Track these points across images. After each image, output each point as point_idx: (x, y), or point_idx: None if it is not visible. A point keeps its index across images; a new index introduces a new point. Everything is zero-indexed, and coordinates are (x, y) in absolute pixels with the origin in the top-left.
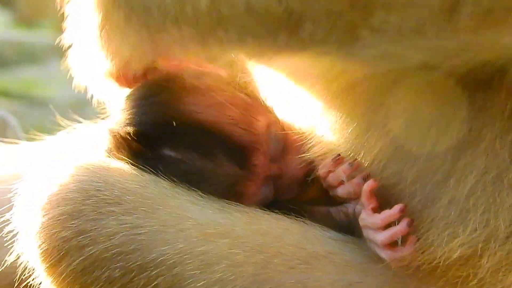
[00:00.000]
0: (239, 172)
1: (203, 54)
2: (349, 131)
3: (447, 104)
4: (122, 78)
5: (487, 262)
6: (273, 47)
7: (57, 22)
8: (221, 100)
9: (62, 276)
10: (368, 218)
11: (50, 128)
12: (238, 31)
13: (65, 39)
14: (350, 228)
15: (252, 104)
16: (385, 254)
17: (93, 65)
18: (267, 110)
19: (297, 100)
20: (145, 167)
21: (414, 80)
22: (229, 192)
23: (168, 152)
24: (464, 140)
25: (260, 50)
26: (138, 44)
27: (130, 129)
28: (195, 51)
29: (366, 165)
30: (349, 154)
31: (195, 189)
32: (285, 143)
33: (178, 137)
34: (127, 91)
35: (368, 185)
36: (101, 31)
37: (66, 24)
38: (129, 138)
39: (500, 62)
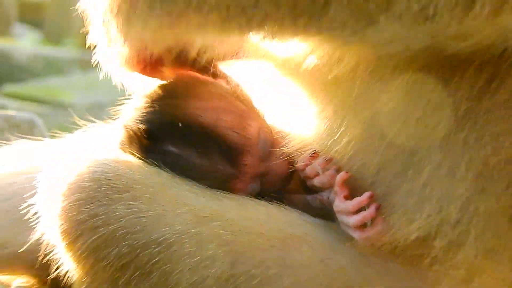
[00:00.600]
0: (230, 170)
1: (220, 39)
2: (322, 130)
3: (405, 104)
4: (137, 63)
5: (439, 243)
6: (290, 31)
7: (78, 40)
8: (220, 107)
9: (79, 252)
10: (341, 204)
11: (70, 128)
12: (260, 17)
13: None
14: (324, 213)
15: (247, 111)
16: (356, 234)
17: (113, 50)
18: (258, 116)
19: (280, 105)
20: (150, 161)
21: (377, 85)
22: (221, 186)
23: (171, 148)
24: (420, 136)
25: (277, 33)
26: (158, 30)
27: (141, 126)
28: (214, 36)
29: (337, 159)
30: (323, 150)
31: (192, 181)
32: (272, 145)
33: (181, 136)
34: (141, 80)
35: (340, 176)
36: (122, 17)
37: (87, 41)
38: (140, 134)
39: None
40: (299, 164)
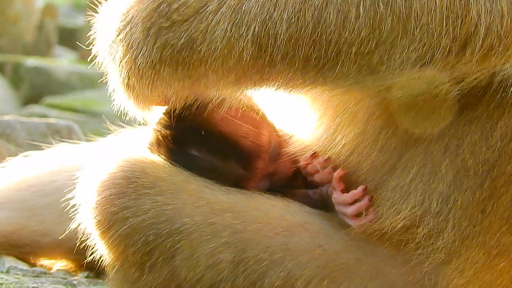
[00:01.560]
0: (244, 173)
1: (235, 93)
2: (321, 134)
3: (396, 115)
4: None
5: (422, 230)
6: (299, 84)
7: None
8: (238, 118)
9: (111, 240)
10: (339, 197)
11: (103, 133)
12: (273, 75)
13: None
14: (322, 205)
15: (259, 121)
16: (353, 222)
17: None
18: (268, 123)
19: (285, 112)
20: (174, 162)
21: (371, 100)
22: (235, 185)
23: (194, 152)
24: (407, 141)
25: (287, 86)
26: (180, 90)
27: (169, 131)
28: (230, 92)
29: (334, 158)
30: (322, 150)
31: (214, 180)
32: (280, 148)
33: (203, 142)
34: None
35: (337, 173)
36: (147, 80)
37: None
38: (167, 138)
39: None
40: (302, 163)
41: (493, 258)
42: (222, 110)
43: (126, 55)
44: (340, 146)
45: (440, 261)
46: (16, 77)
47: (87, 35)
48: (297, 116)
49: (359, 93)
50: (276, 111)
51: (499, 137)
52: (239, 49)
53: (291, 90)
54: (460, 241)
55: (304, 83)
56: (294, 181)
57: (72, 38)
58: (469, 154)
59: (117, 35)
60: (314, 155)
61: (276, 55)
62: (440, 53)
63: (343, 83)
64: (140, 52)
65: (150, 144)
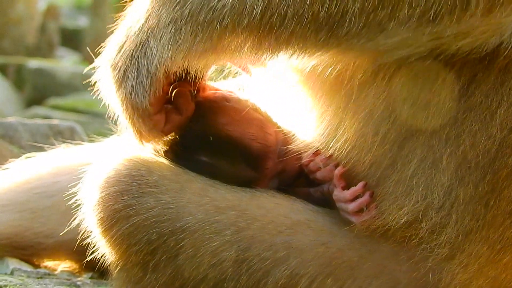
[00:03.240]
0: (255, 174)
1: (254, 60)
2: (323, 130)
3: (394, 106)
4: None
5: (425, 225)
6: (313, 46)
7: None
8: (244, 120)
9: (113, 238)
10: (340, 194)
11: (106, 134)
12: (286, 35)
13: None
14: (325, 203)
15: (264, 120)
16: (355, 219)
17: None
18: (273, 122)
19: (287, 110)
20: (182, 167)
21: (373, 91)
22: (245, 186)
23: (203, 158)
24: (407, 134)
25: (302, 49)
26: (202, 52)
27: (177, 137)
28: (248, 56)
29: (336, 155)
30: (323, 147)
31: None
32: (285, 145)
33: (212, 147)
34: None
35: (338, 170)
36: (174, 41)
37: None
38: (175, 145)
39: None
40: (304, 160)
41: (497, 253)
42: (227, 113)
43: (150, 15)
44: (341, 141)
45: (443, 257)
46: (18, 79)
47: (90, 36)
48: (299, 113)
49: (373, 54)
50: (278, 109)
51: (499, 127)
52: (250, 6)
53: (307, 54)
54: (463, 236)
55: (318, 43)
56: (297, 180)
57: (75, 39)
58: (470, 145)
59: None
60: (316, 153)
61: (286, 12)
62: (443, 7)
63: (356, 42)
64: (164, 9)
65: (156, 151)
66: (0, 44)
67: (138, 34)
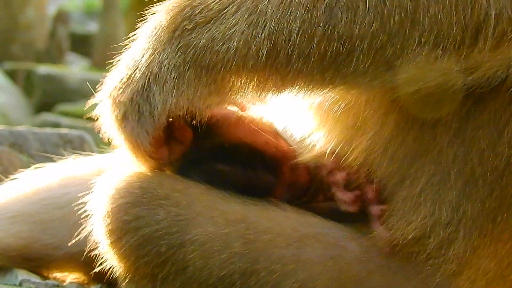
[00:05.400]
0: (273, 179)
1: (259, 99)
2: (332, 148)
3: (402, 125)
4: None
5: (433, 241)
6: (319, 85)
7: None
8: (257, 129)
9: (122, 250)
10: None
11: None
12: (292, 74)
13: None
14: (348, 216)
15: (273, 131)
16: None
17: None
18: (280, 134)
19: (296, 127)
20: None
21: (380, 110)
22: (266, 194)
23: (220, 167)
24: (416, 152)
25: (308, 88)
26: (207, 96)
27: (189, 151)
28: (253, 96)
29: (347, 167)
30: (337, 161)
31: (238, 193)
32: (294, 158)
33: (229, 155)
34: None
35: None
36: (178, 87)
37: None
38: (188, 157)
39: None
40: (324, 173)
41: (505, 268)
42: (238, 123)
43: (151, 59)
44: (350, 159)
45: (451, 272)
46: (28, 85)
47: (99, 42)
48: (307, 129)
49: (378, 90)
50: (286, 125)
51: (507, 144)
52: (255, 48)
53: (313, 92)
54: (471, 251)
55: (324, 82)
56: (307, 192)
57: (84, 45)
58: (478, 162)
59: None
60: (334, 165)
61: (292, 53)
62: (452, 43)
63: (362, 80)
64: (165, 55)
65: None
66: (10, 49)
67: (140, 78)
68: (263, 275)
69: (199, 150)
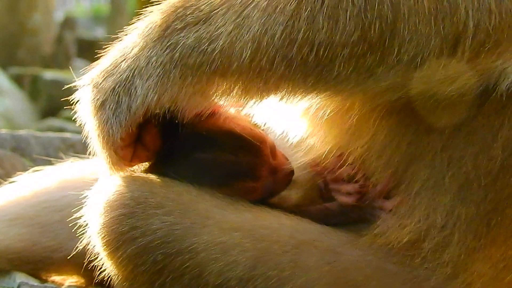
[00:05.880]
0: (255, 160)
1: (243, 101)
2: (327, 153)
3: (397, 130)
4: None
5: (428, 245)
6: (302, 90)
7: None
8: (231, 118)
9: (119, 260)
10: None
11: None
12: (276, 79)
13: None
14: (343, 216)
15: (250, 121)
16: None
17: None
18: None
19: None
20: (179, 175)
21: (374, 116)
22: (251, 175)
23: (201, 155)
24: (410, 157)
25: (291, 93)
26: (191, 95)
27: (169, 145)
28: (237, 99)
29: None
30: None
31: (222, 183)
32: (275, 148)
33: (207, 144)
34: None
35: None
36: (162, 84)
37: None
38: (169, 151)
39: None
40: (324, 171)
41: (500, 271)
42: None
43: (139, 53)
44: (346, 164)
45: (447, 276)
46: (34, 90)
47: (106, 47)
48: (300, 134)
49: (362, 98)
50: (281, 127)
51: (501, 148)
52: (239, 49)
53: (296, 97)
54: (466, 255)
55: (307, 88)
56: (288, 184)
57: (91, 50)
58: (472, 166)
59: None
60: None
61: (275, 56)
62: (431, 53)
63: (345, 86)
64: (154, 51)
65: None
66: (17, 54)
67: (125, 70)
68: (260, 281)
69: (176, 142)
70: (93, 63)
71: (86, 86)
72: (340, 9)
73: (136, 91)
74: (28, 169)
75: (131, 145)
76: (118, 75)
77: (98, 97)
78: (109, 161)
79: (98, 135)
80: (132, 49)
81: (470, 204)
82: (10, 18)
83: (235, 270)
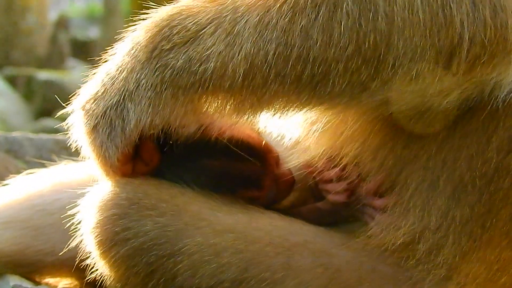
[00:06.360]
0: (261, 169)
1: (236, 118)
2: (321, 155)
3: (391, 133)
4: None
5: (423, 246)
6: (296, 105)
7: None
8: (244, 127)
9: (112, 260)
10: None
11: None
12: (268, 95)
13: None
14: (334, 215)
15: (255, 129)
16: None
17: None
18: (260, 132)
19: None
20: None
21: (368, 119)
22: (255, 184)
23: (208, 161)
24: (405, 160)
25: (284, 109)
26: (183, 115)
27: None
28: (230, 116)
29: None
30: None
31: (225, 190)
32: (279, 158)
33: (214, 151)
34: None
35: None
36: (153, 106)
37: None
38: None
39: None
40: (315, 171)
41: (494, 273)
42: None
43: (128, 76)
44: (340, 166)
45: (441, 277)
46: (28, 91)
47: (100, 47)
48: (295, 137)
49: (356, 110)
50: (275, 129)
51: (495, 150)
52: (232, 69)
53: (289, 111)
54: (460, 256)
55: (300, 103)
56: (288, 194)
57: (85, 50)
58: (466, 168)
59: (123, 56)
60: (329, 165)
61: (268, 74)
62: (426, 66)
63: (339, 101)
64: (143, 73)
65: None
66: (11, 55)
67: (115, 94)
68: (253, 283)
69: (182, 148)
70: (88, 65)
71: (77, 111)
72: (335, 21)
73: (129, 115)
74: (21, 171)
75: (129, 163)
76: (109, 99)
77: (89, 121)
78: (112, 178)
79: (95, 158)
80: (120, 72)
81: (464, 206)
82: (4, 19)
83: (228, 272)
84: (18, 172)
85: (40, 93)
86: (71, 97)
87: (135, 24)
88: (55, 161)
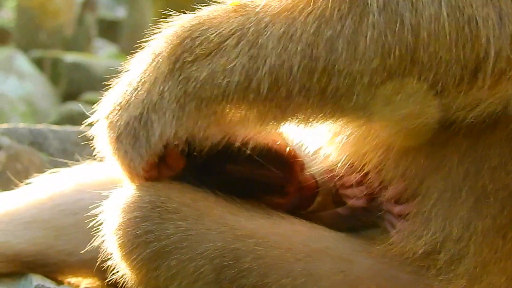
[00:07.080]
0: (285, 176)
1: (259, 128)
2: (343, 162)
3: (414, 144)
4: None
5: (444, 256)
6: (320, 117)
7: None
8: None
9: (134, 263)
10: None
11: None
12: (292, 108)
13: None
14: (354, 221)
15: (281, 134)
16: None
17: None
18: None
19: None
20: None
21: (391, 130)
22: (279, 191)
23: (233, 167)
24: (427, 169)
25: (307, 120)
26: (206, 127)
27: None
28: (253, 126)
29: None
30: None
31: (249, 197)
32: (304, 166)
33: (239, 156)
34: None
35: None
36: (177, 118)
37: None
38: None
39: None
40: (335, 176)
41: None
42: None
43: (151, 88)
44: (362, 173)
45: (461, 287)
46: (55, 73)
47: (127, 27)
48: (317, 143)
49: (380, 123)
50: (297, 134)
51: None
52: (256, 82)
53: (313, 123)
54: (481, 267)
55: (324, 115)
56: (317, 199)
57: (112, 31)
58: (489, 179)
59: (145, 67)
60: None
61: (293, 87)
62: (451, 81)
63: (362, 114)
64: (166, 86)
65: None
66: (38, 37)
67: (138, 105)
68: None
69: (206, 154)
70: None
71: (101, 121)
72: (360, 33)
73: (153, 126)
74: (45, 164)
75: (154, 169)
76: (132, 110)
77: (113, 132)
78: (138, 183)
79: (121, 167)
80: (143, 83)
81: (486, 217)
82: (31, 1)
83: (249, 277)
84: (42, 165)
85: (67, 75)
86: (98, 81)
87: (156, 33)
88: (78, 160)
